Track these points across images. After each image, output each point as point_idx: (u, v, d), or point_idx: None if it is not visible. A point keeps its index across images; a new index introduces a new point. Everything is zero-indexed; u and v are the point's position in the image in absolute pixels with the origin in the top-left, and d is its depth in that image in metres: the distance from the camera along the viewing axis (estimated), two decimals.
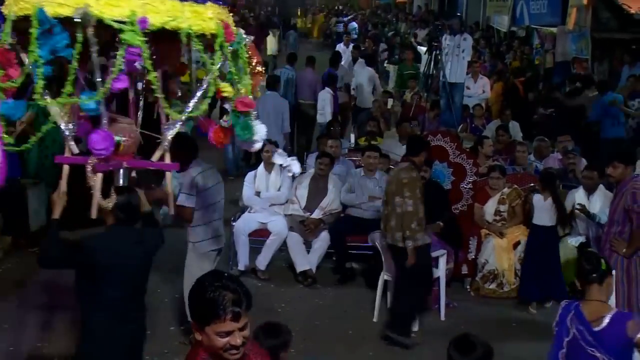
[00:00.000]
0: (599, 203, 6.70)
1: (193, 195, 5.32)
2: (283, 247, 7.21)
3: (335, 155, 7.86)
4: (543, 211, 6.47)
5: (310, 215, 7.29)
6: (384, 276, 6.35)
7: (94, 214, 3.66)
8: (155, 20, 3.33)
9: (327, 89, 11.12)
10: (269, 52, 20.14)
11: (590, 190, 6.81)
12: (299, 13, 38.99)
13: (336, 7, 39.72)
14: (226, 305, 2.35)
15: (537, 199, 6.51)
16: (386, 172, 7.57)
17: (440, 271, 6.37)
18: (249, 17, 28.50)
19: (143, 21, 3.28)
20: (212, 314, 2.35)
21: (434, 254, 6.34)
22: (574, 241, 6.75)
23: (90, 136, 3.50)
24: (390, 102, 12.35)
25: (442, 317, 6.35)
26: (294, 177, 7.69)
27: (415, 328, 6.09)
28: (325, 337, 6.00)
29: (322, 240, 7.17)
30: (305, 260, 7.08)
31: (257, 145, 3.82)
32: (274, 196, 7.40)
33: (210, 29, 3.53)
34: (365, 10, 37.46)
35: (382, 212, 6.10)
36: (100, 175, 3.59)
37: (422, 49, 16.18)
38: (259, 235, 7.20)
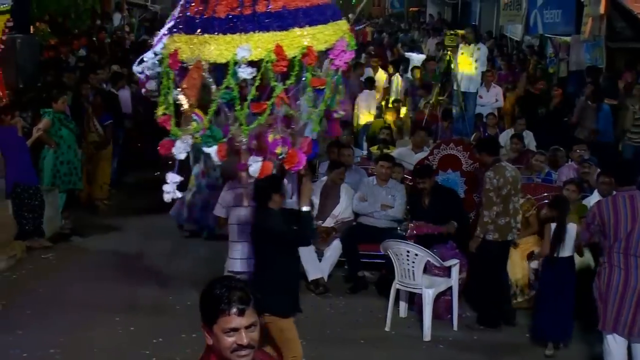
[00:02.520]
0: None
1: (223, 206, 5.63)
2: None
3: (348, 164, 7.86)
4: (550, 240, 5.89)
5: (322, 223, 7.28)
6: (395, 285, 6.33)
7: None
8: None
9: (367, 91, 12.31)
10: None
11: (606, 196, 6.78)
12: None
13: (348, 15, 39.71)
14: (231, 300, 2.38)
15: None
16: (400, 181, 7.56)
17: (453, 281, 6.34)
18: None
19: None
20: (217, 309, 2.38)
21: (446, 264, 6.32)
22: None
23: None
24: (402, 110, 12.35)
25: (455, 327, 6.32)
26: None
27: (428, 338, 6.07)
28: (337, 346, 5.98)
29: (334, 249, 7.16)
30: (317, 269, 7.07)
31: None
32: (286, 204, 7.38)
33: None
34: (378, 18, 37.50)
35: (514, 209, 6.25)
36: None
37: (412, 56, 16.43)
38: None
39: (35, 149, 8.09)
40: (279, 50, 4.07)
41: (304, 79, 4.20)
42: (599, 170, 7.74)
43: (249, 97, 4.10)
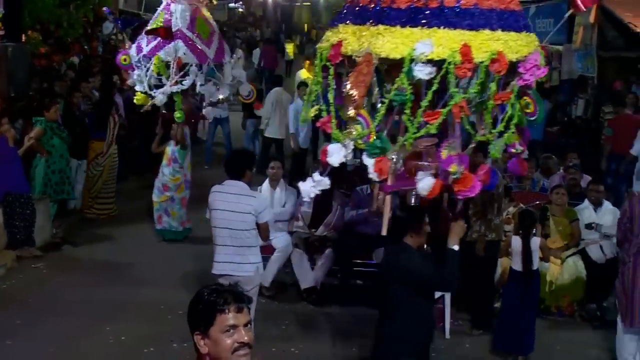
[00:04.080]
0: (608, 216, 6.87)
1: (210, 209, 5.54)
2: (287, 264, 7.18)
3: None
4: (521, 255, 5.83)
5: (315, 232, 7.27)
6: None
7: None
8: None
9: None
10: (287, 58, 24.32)
11: (596, 205, 6.94)
12: (305, 29, 39.21)
13: None
14: (227, 299, 2.39)
15: (516, 242, 5.88)
16: None
17: None
18: (255, 35, 28.77)
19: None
20: (214, 309, 2.37)
21: None
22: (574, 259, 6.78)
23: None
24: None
25: (447, 335, 6.30)
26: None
27: None
28: (330, 354, 5.96)
29: (327, 258, 7.14)
30: (309, 277, 7.05)
31: None
32: (278, 213, 7.37)
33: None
34: None
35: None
36: (388, 196, 3.90)
37: None
38: (264, 252, 7.07)
39: (26, 157, 8.05)
40: (466, 50, 3.52)
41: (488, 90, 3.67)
42: (584, 175, 7.93)
43: (424, 103, 3.57)
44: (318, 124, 3.98)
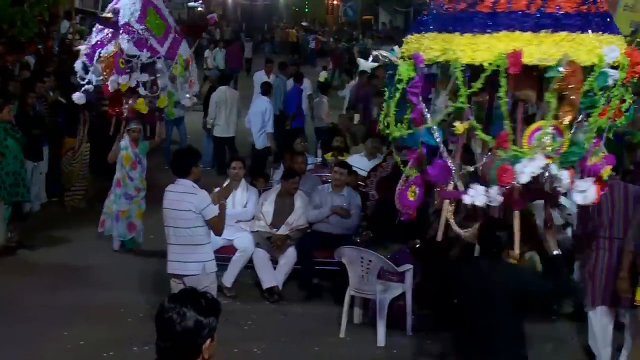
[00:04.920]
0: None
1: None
2: (249, 264, 7.16)
3: (301, 171, 7.86)
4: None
5: (277, 231, 7.25)
6: (349, 292, 6.34)
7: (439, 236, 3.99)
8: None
9: (320, 97, 12.98)
10: (246, 56, 25.06)
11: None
12: (265, 28, 39.16)
13: (302, 23, 39.89)
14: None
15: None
16: (354, 188, 7.57)
17: (407, 286, 6.38)
18: (215, 33, 28.57)
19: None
20: (219, 314, 2.51)
21: (400, 269, 6.35)
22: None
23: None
24: (356, 117, 12.43)
25: (409, 332, 6.35)
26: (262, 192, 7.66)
27: (382, 344, 6.09)
28: (292, 354, 5.96)
29: (289, 257, 7.14)
30: (271, 277, 7.03)
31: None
32: (240, 213, 7.35)
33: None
34: (331, 26, 37.73)
35: None
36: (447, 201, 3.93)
37: (361, 62, 16.60)
38: (225, 252, 7.12)
39: None
40: (635, 54, 3.76)
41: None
42: None
43: (601, 104, 3.68)
44: (495, 145, 3.75)
